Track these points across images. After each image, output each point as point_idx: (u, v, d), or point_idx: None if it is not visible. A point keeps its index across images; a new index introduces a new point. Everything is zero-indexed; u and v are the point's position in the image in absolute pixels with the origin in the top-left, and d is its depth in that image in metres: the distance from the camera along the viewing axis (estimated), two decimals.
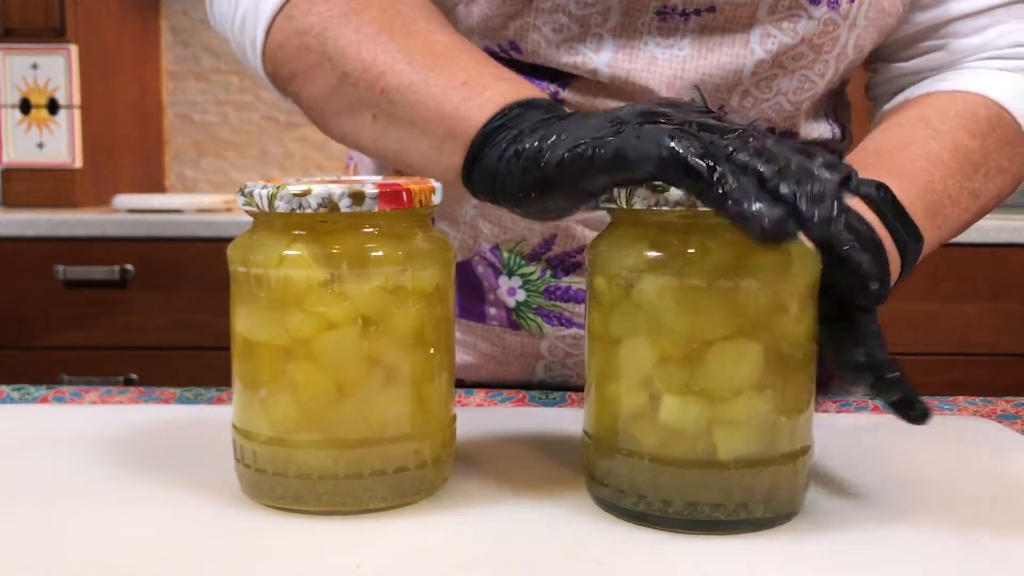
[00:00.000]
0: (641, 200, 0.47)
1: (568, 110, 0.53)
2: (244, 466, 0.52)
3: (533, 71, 0.73)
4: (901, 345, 1.90)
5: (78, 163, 2.15)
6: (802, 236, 0.44)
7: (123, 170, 2.37)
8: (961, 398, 0.76)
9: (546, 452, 0.61)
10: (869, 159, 0.72)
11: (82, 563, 0.45)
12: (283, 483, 0.50)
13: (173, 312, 1.95)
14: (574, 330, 0.78)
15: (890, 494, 0.54)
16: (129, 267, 1.93)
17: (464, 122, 0.53)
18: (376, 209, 0.49)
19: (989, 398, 0.77)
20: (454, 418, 0.55)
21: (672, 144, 0.42)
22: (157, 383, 1.80)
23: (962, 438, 0.66)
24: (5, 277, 1.95)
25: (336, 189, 0.48)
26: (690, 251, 0.47)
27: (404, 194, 0.50)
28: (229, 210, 2.14)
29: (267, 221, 0.50)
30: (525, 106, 0.52)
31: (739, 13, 0.70)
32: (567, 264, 0.77)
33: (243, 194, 0.51)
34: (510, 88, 0.54)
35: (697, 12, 0.70)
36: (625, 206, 0.48)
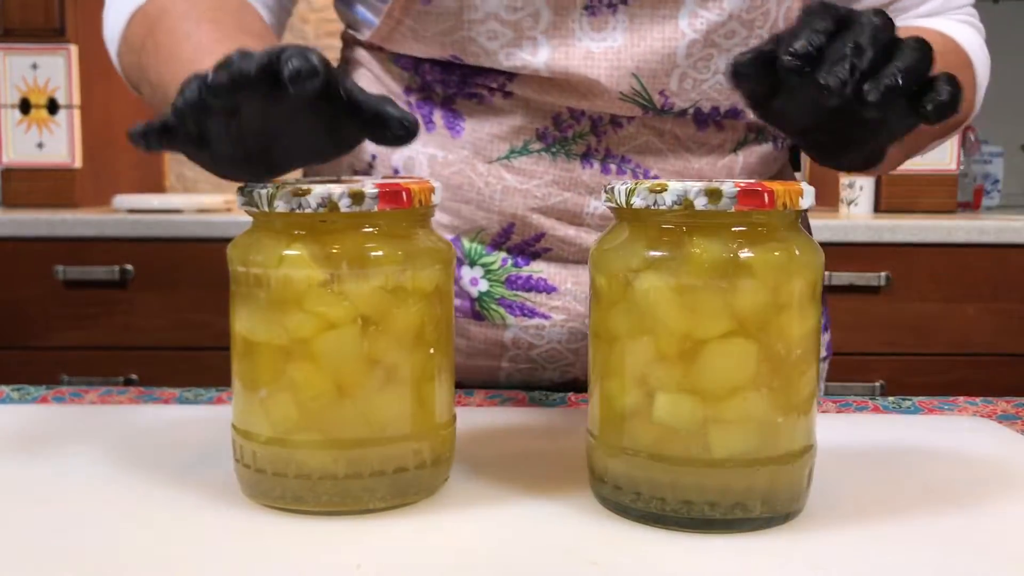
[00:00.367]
0: (641, 199, 0.47)
1: None
2: (244, 466, 0.52)
3: (483, 71, 0.75)
4: (901, 345, 1.91)
5: (78, 163, 2.14)
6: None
7: (123, 170, 2.37)
8: (961, 398, 0.76)
9: (546, 452, 0.61)
10: None
11: (82, 563, 0.45)
12: (283, 483, 0.50)
13: (173, 312, 1.95)
14: (537, 320, 0.79)
15: (889, 494, 0.54)
16: (129, 267, 1.93)
17: None
18: (376, 209, 0.49)
19: (989, 398, 0.77)
20: (454, 418, 0.55)
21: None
22: (157, 383, 1.80)
23: (962, 438, 0.66)
24: (5, 277, 1.95)
25: (336, 189, 0.48)
26: (687, 250, 0.47)
27: (404, 194, 0.50)
28: (229, 210, 2.14)
29: (267, 221, 0.50)
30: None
31: None
32: (527, 253, 0.78)
33: (243, 194, 0.51)
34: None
35: (624, 2, 0.72)
36: (625, 205, 0.48)
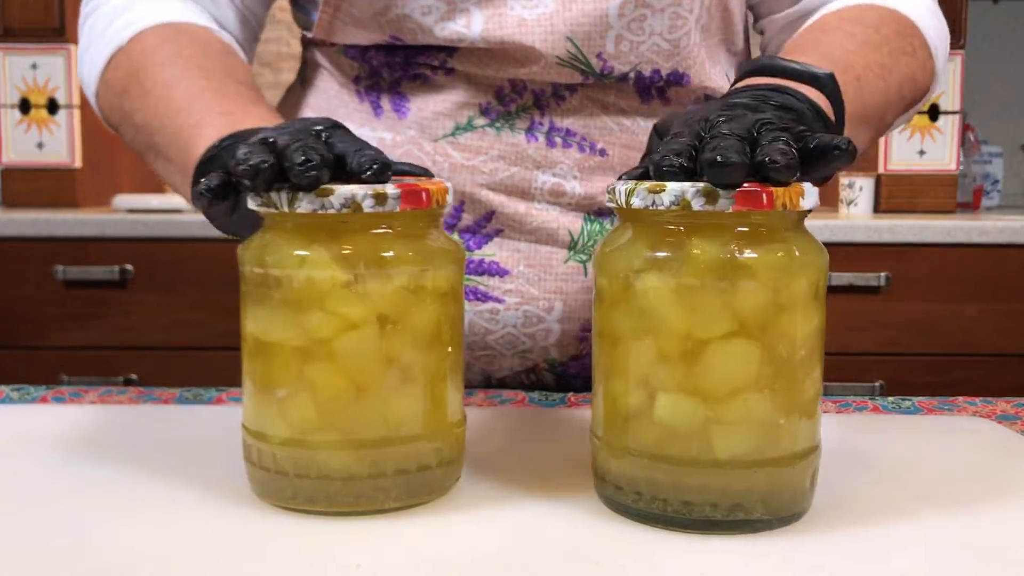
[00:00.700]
0: (641, 200, 0.47)
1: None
2: (261, 468, 0.52)
3: (423, 50, 0.76)
4: (901, 345, 1.91)
5: (78, 163, 2.14)
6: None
7: (123, 170, 2.37)
8: (961, 398, 0.76)
9: (547, 452, 0.61)
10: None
11: (81, 563, 0.45)
12: (297, 484, 0.50)
13: (173, 312, 1.94)
14: (491, 304, 0.79)
15: (889, 494, 0.54)
16: (129, 267, 1.93)
17: (191, 157, 0.63)
18: (398, 209, 0.49)
19: (989, 398, 0.77)
20: (464, 418, 0.55)
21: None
22: (157, 383, 1.79)
23: (962, 438, 0.66)
24: (5, 277, 1.95)
25: (358, 190, 0.48)
26: (687, 251, 0.47)
27: (423, 194, 0.50)
28: None
29: (282, 222, 0.50)
30: (235, 137, 0.60)
31: None
32: (480, 234, 0.78)
33: (258, 194, 0.50)
34: (228, 123, 0.63)
35: None
36: (625, 206, 0.48)
